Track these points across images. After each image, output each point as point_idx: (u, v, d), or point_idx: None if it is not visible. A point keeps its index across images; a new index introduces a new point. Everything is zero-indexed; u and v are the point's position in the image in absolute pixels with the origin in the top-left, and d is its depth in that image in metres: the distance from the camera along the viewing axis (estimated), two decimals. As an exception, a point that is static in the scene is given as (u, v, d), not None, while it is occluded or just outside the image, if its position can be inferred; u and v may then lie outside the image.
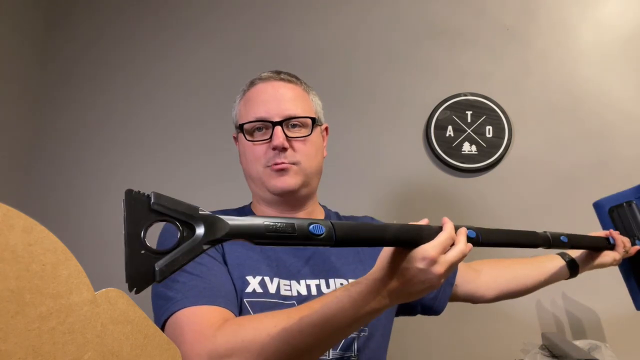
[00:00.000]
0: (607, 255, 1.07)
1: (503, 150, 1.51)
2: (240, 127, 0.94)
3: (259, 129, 0.92)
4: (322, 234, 0.59)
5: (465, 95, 1.55)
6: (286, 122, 0.91)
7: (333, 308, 0.67)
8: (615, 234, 1.08)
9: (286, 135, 0.90)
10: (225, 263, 0.86)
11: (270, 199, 0.94)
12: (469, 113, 1.54)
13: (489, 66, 1.56)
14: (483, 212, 1.51)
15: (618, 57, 1.49)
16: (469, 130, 1.53)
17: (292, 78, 0.98)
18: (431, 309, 1.03)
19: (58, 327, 0.43)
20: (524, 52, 1.55)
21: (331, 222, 0.60)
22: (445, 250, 0.66)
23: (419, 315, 1.04)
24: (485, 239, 0.74)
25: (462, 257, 0.68)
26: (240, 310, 0.82)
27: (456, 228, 0.70)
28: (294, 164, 0.91)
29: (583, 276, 1.43)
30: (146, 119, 1.77)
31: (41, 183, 1.80)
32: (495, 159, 1.51)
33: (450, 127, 1.54)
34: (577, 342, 1.17)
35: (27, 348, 0.41)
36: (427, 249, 0.65)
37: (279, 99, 0.92)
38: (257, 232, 0.56)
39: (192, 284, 0.78)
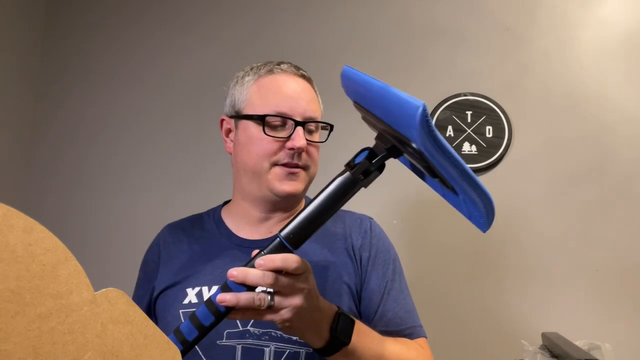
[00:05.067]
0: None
1: (503, 150, 1.51)
2: (261, 118, 0.84)
3: (281, 124, 0.85)
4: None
5: (465, 95, 1.55)
6: (307, 124, 0.86)
7: None
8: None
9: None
10: (157, 274, 0.89)
11: (261, 198, 0.88)
12: (469, 113, 1.54)
13: (489, 66, 1.56)
14: (483, 212, 1.51)
15: (618, 57, 1.49)
16: (469, 130, 1.53)
17: (308, 77, 0.93)
18: None
19: (58, 327, 0.43)
20: (524, 52, 1.55)
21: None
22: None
23: (420, 316, 1.03)
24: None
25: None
26: (173, 320, 0.82)
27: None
28: (303, 168, 0.86)
29: (583, 275, 1.44)
30: (148, 118, 1.77)
31: (41, 183, 1.79)
32: (495, 159, 1.51)
33: (450, 127, 1.54)
34: (577, 342, 1.17)
35: (27, 348, 0.41)
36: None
37: (302, 97, 0.87)
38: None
39: None
